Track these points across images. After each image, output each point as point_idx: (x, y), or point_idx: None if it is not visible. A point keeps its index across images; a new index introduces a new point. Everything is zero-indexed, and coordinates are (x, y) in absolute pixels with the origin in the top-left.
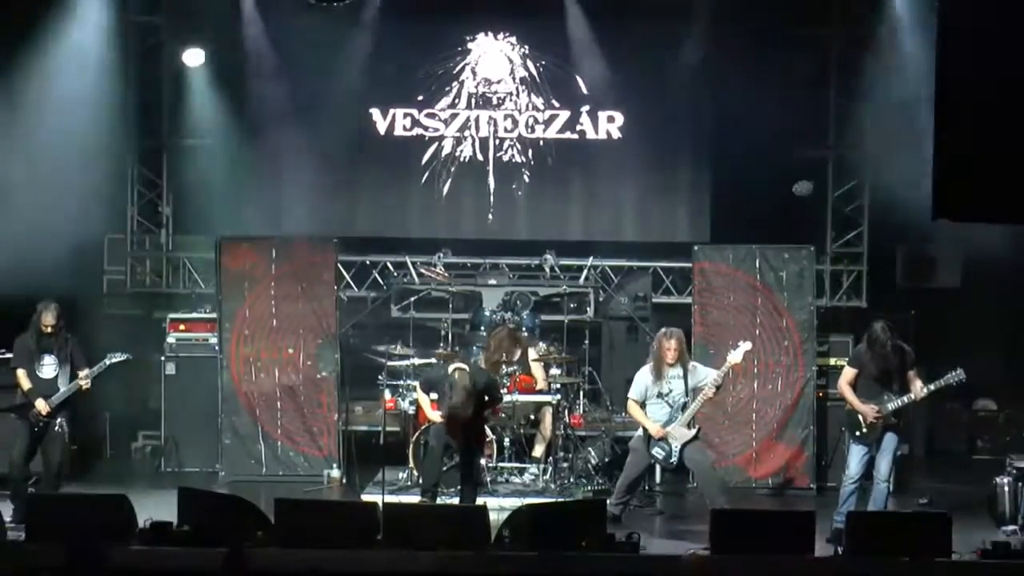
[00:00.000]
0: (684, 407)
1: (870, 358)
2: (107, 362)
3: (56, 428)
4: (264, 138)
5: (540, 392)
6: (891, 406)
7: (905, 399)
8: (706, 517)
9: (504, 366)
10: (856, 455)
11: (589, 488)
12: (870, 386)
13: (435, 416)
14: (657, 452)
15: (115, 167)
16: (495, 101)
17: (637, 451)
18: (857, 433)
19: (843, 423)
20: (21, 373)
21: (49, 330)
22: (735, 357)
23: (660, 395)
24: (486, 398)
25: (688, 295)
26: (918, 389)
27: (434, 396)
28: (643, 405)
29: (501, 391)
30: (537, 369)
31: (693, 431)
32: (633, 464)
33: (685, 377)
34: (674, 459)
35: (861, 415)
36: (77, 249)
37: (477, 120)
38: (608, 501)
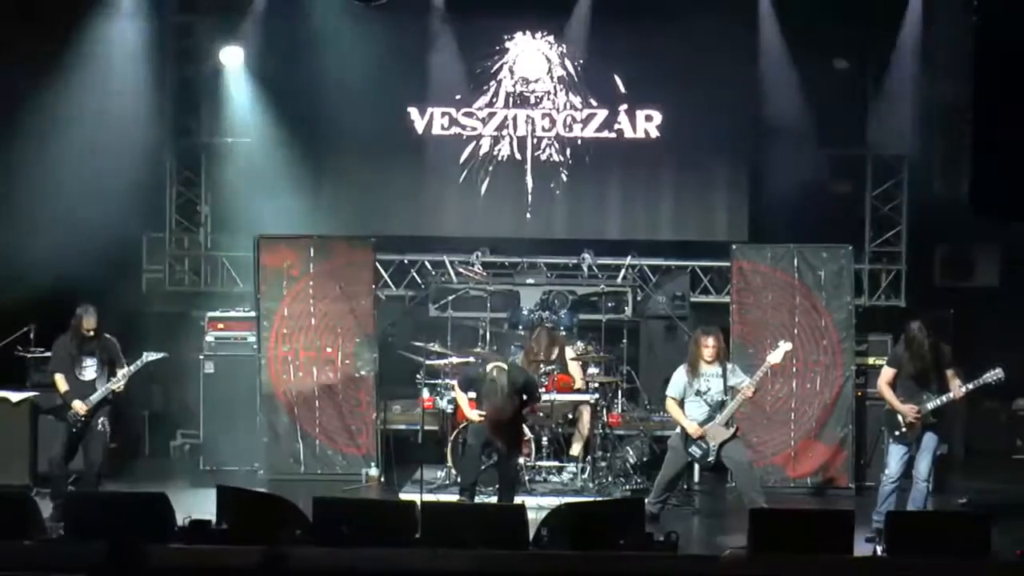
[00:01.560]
0: (722, 406)
1: (908, 358)
2: (143, 361)
3: (98, 427)
4: (302, 137)
5: (578, 391)
6: (930, 406)
7: (944, 398)
8: (744, 516)
9: (542, 365)
10: (895, 455)
11: (627, 487)
12: (908, 386)
13: (473, 415)
14: (694, 450)
15: (154, 166)
16: (533, 100)
17: (675, 450)
18: (896, 433)
19: (882, 423)
20: (59, 377)
21: (91, 333)
22: (775, 357)
23: (698, 393)
24: (524, 397)
25: (726, 294)
26: (957, 388)
27: (472, 395)
28: (681, 403)
29: (539, 390)
30: (575, 368)
31: (731, 430)
32: (671, 463)
33: (724, 376)
34: (711, 458)
35: (900, 415)
36: (116, 248)
37: (515, 119)
38: (646, 500)
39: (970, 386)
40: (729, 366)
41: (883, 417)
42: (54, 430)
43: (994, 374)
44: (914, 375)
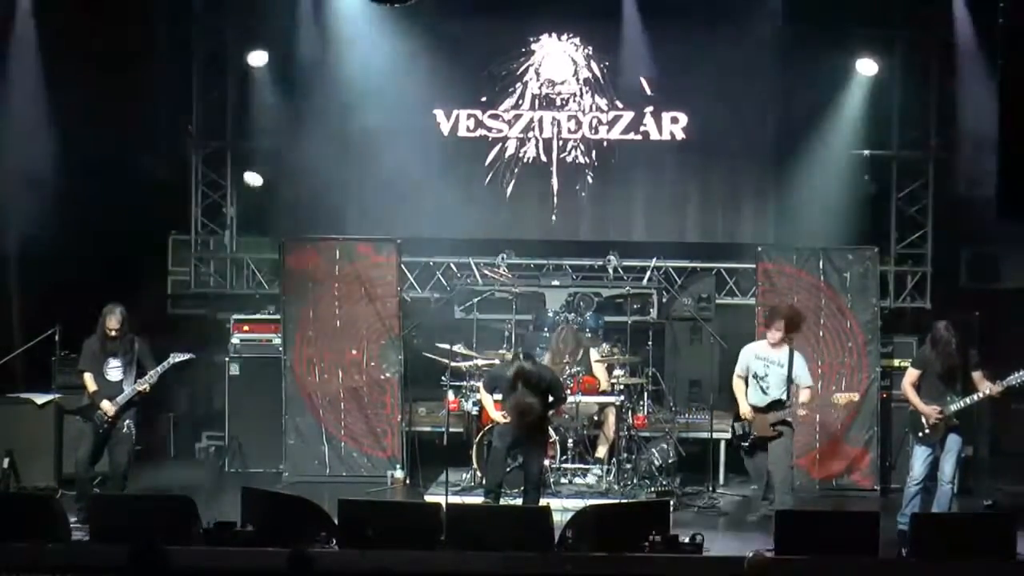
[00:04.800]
0: (778, 405)
1: (934, 357)
2: (170, 362)
3: (124, 429)
4: (328, 139)
5: (603, 393)
6: (954, 407)
7: (967, 400)
8: (770, 518)
9: (567, 367)
10: (920, 456)
11: (652, 489)
12: (934, 386)
13: (498, 416)
14: (736, 427)
15: (179, 168)
16: (559, 102)
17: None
18: (920, 434)
19: (906, 424)
20: (88, 376)
21: (113, 333)
22: (839, 399)
23: (756, 376)
24: (550, 398)
25: (752, 296)
26: (988, 387)
27: (497, 396)
28: (747, 380)
29: (565, 390)
30: (600, 370)
31: (774, 432)
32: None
33: (789, 366)
34: (747, 443)
35: (924, 416)
36: (142, 250)
37: (541, 121)
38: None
39: (994, 388)
40: (798, 358)
41: (907, 418)
42: (79, 432)
43: (1019, 376)
44: (940, 375)
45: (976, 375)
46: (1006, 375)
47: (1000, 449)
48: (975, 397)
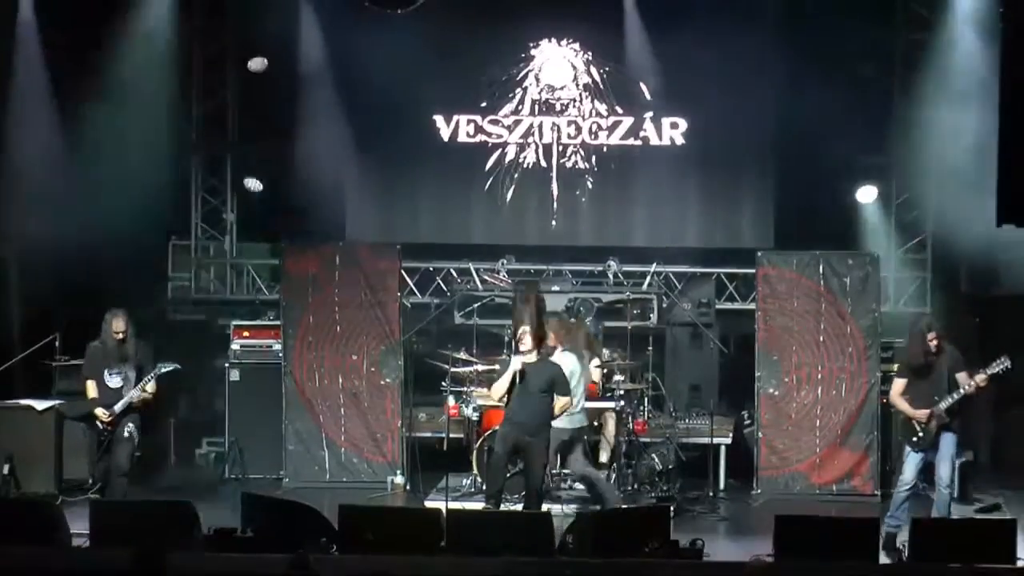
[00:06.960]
0: None
1: (910, 355)
2: (155, 373)
3: (124, 434)
4: (328, 144)
5: (605, 399)
6: (944, 405)
7: (955, 395)
8: (770, 523)
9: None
10: (911, 462)
11: (653, 494)
12: (918, 387)
13: (504, 386)
14: None
15: (179, 174)
16: (558, 107)
17: None
18: (914, 439)
19: (899, 432)
20: (90, 384)
21: (119, 336)
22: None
23: None
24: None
25: (752, 301)
26: (966, 381)
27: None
28: None
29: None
30: (598, 375)
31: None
32: None
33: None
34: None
35: (915, 421)
36: (142, 256)
37: (540, 126)
38: None
39: (979, 378)
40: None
41: (899, 426)
42: (85, 435)
43: (1001, 363)
44: (916, 371)
45: (960, 376)
46: (1001, 376)
47: (1001, 455)
48: (962, 391)
